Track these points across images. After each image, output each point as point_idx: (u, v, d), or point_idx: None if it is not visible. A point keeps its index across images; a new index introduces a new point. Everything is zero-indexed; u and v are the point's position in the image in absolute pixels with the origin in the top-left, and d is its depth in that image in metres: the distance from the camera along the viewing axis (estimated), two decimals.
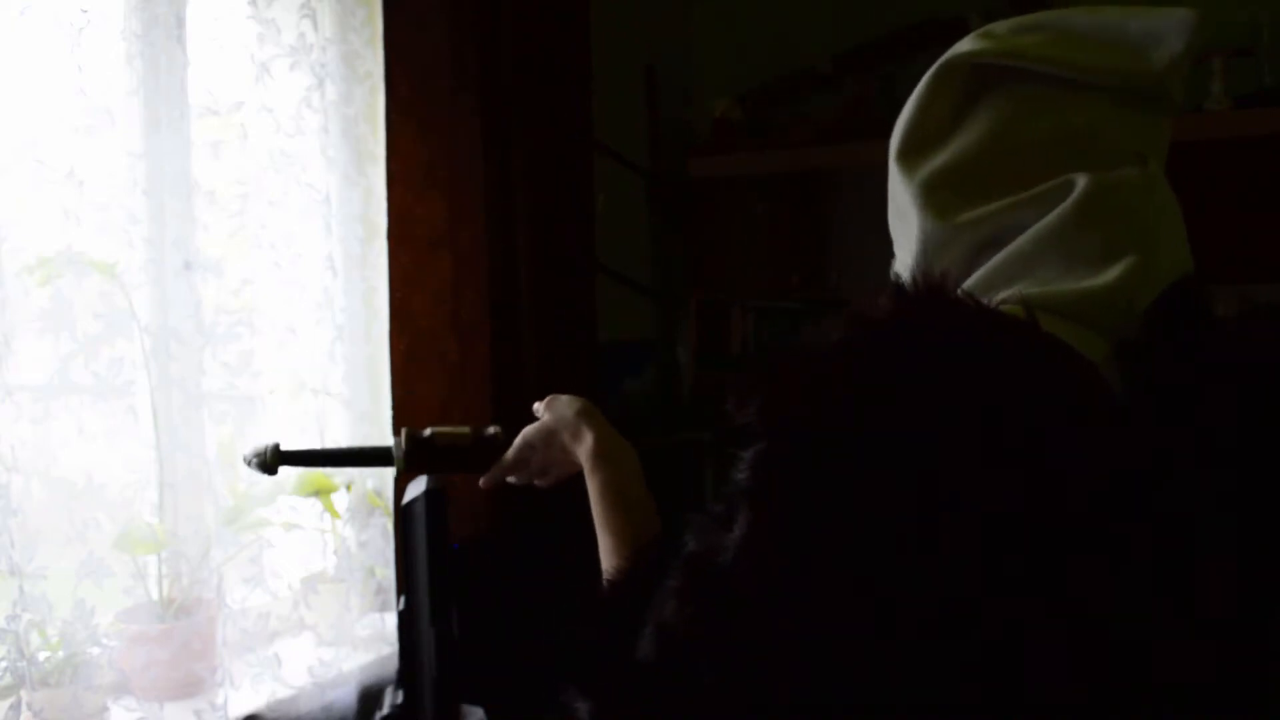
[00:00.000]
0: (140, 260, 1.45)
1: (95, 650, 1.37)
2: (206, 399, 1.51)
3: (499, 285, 1.97)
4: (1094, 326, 0.68)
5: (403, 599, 1.59)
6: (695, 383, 2.97)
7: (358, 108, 1.80)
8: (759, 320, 2.96)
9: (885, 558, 0.58)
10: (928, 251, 0.76)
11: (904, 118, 0.80)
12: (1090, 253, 0.70)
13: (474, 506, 1.90)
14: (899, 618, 0.58)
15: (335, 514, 1.74)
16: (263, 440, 1.18)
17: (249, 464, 1.16)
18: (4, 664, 1.29)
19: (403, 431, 1.19)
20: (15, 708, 1.29)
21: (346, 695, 1.66)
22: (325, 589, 1.72)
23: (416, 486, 1.39)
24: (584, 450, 1.07)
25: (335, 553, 1.76)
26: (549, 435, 1.13)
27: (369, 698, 1.67)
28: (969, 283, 0.73)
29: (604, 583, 0.84)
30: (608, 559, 0.96)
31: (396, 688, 1.61)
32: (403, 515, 1.59)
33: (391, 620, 1.71)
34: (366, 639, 1.74)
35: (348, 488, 1.76)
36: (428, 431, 1.19)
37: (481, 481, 1.20)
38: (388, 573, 1.78)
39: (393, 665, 1.64)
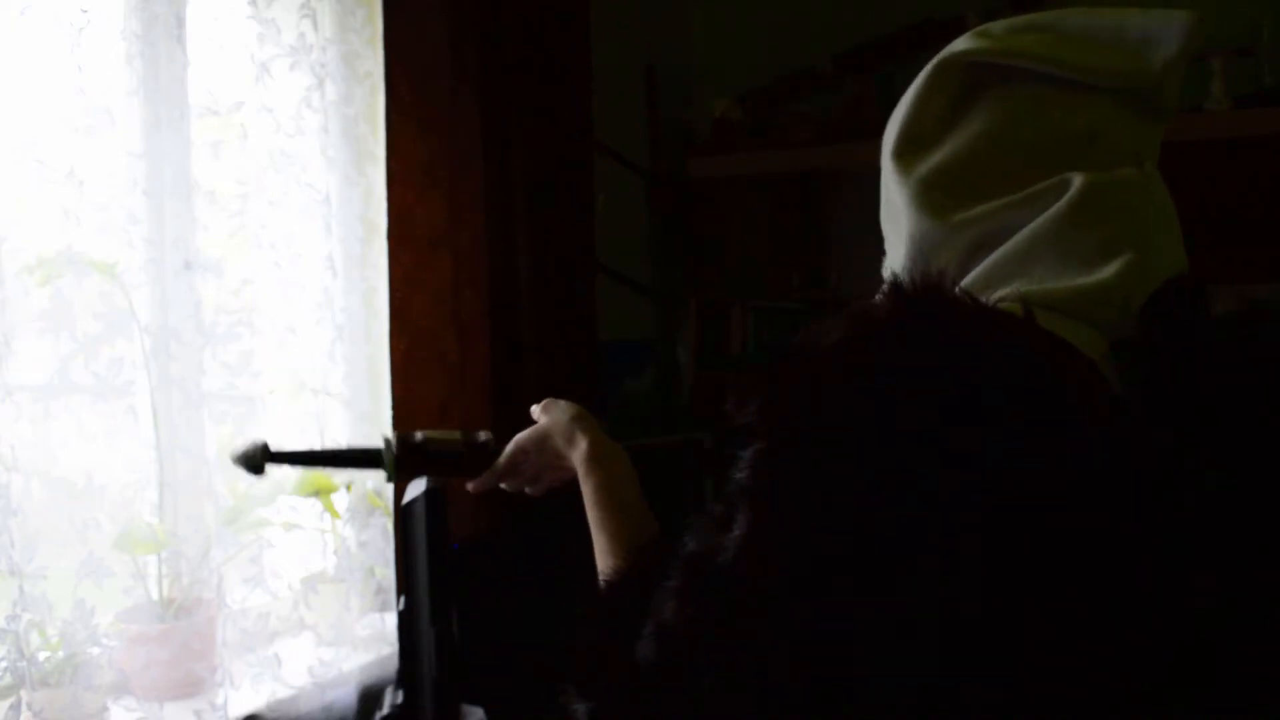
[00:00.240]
0: (140, 260, 1.45)
1: (95, 650, 1.37)
2: (206, 399, 1.51)
3: (499, 285, 1.97)
4: (1091, 323, 0.68)
5: (403, 599, 1.59)
6: (695, 383, 2.97)
7: (358, 108, 1.80)
8: (759, 320, 2.96)
9: (886, 557, 0.58)
10: (923, 251, 0.76)
11: (900, 115, 0.80)
12: (1086, 251, 0.70)
13: (474, 506, 1.90)
14: (899, 617, 0.58)
15: (335, 514, 1.74)
16: (249, 439, 1.15)
17: (235, 462, 1.14)
18: (4, 664, 1.29)
19: (393, 435, 1.18)
20: (15, 708, 1.29)
21: (346, 695, 1.66)
22: (325, 589, 1.72)
23: (416, 486, 1.39)
24: (578, 454, 1.07)
25: (335, 553, 1.76)
26: (542, 439, 1.12)
27: (369, 698, 1.67)
28: (965, 282, 0.73)
29: (601, 583, 0.84)
30: (604, 560, 0.96)
31: (396, 688, 1.61)
32: (403, 515, 1.59)
33: (391, 620, 1.71)
34: (366, 639, 1.74)
35: (348, 488, 1.76)
36: (419, 436, 1.18)
37: (471, 486, 1.19)
38: (388, 573, 1.78)
39: (393, 665, 1.64)
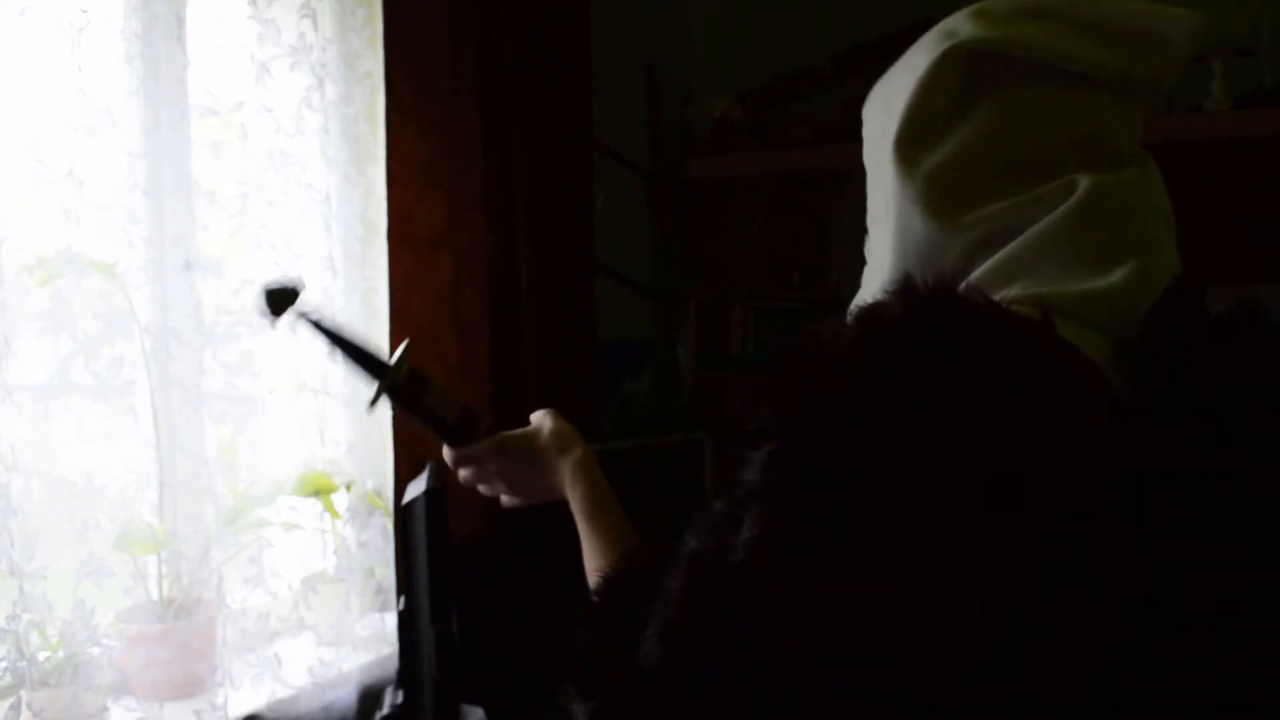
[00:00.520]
0: (140, 260, 1.45)
1: (95, 650, 1.37)
2: (206, 399, 1.51)
3: (499, 285, 1.97)
4: (1096, 327, 0.68)
5: (403, 599, 1.59)
6: (695, 383, 2.97)
7: (358, 108, 1.80)
8: (759, 320, 2.96)
9: (900, 558, 0.58)
10: (922, 250, 0.74)
11: (900, 104, 0.77)
12: (1093, 254, 0.70)
13: (474, 506, 1.90)
14: (914, 619, 0.58)
15: (335, 514, 1.74)
16: (290, 277, 1.06)
17: (262, 293, 1.05)
18: (4, 664, 1.29)
19: (407, 364, 1.09)
20: (15, 708, 1.29)
21: (346, 695, 1.66)
22: (325, 589, 1.72)
23: (416, 486, 1.39)
24: (571, 459, 1.07)
25: (335, 553, 1.76)
26: (531, 436, 1.11)
27: (369, 698, 1.67)
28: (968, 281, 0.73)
29: (596, 584, 0.83)
30: (597, 559, 0.96)
31: (396, 688, 1.61)
32: (403, 515, 1.59)
33: (391, 620, 1.71)
34: (366, 639, 1.74)
35: (348, 488, 1.76)
36: (429, 381, 1.11)
37: (447, 453, 1.15)
38: (388, 573, 1.78)
39: (393, 665, 1.64)
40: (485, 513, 1.90)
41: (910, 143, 0.76)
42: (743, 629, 0.60)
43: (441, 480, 1.35)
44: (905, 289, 0.65)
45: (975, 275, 0.73)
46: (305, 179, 1.70)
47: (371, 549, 1.77)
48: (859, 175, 0.85)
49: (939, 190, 0.74)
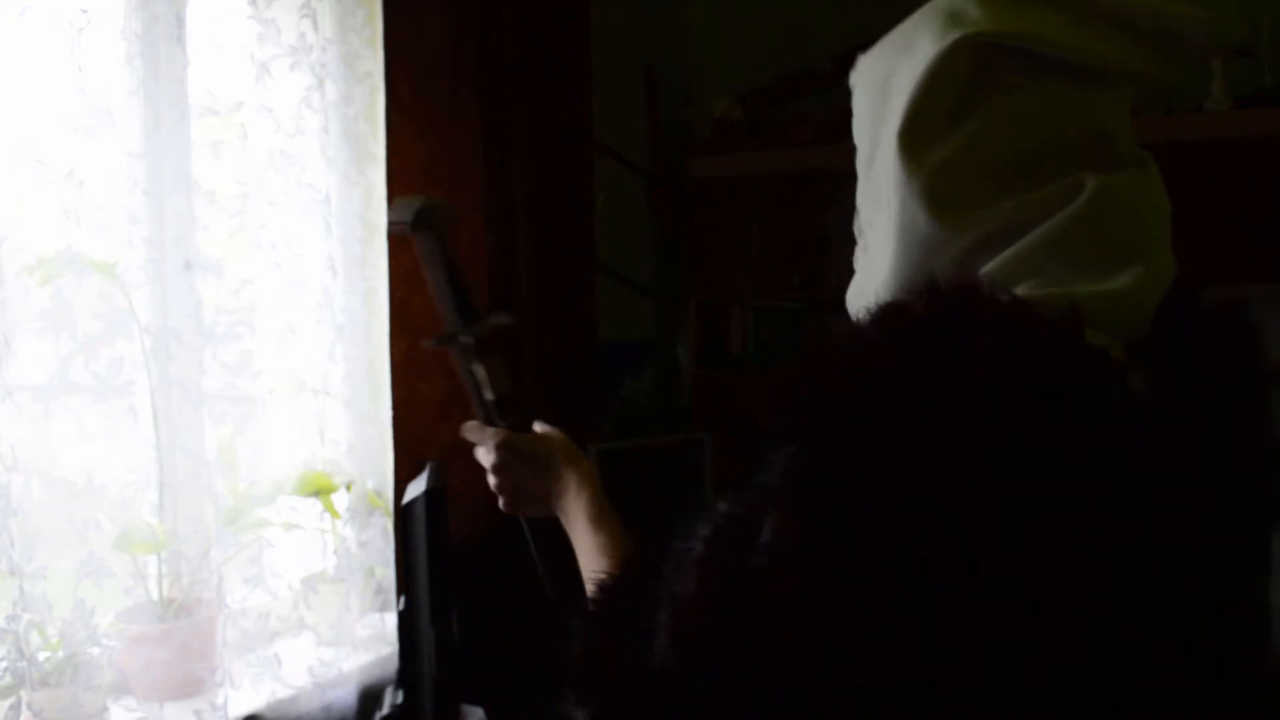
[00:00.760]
0: (140, 260, 1.45)
1: (95, 650, 1.37)
2: (206, 399, 1.51)
3: (499, 285, 1.97)
4: (1105, 329, 0.67)
5: (403, 599, 1.59)
6: (695, 383, 2.97)
7: (358, 108, 1.80)
8: (759, 320, 2.96)
9: (930, 563, 0.57)
10: (925, 247, 0.73)
11: (906, 92, 0.74)
12: (1101, 256, 0.69)
13: (474, 506, 1.90)
14: (939, 621, 0.57)
15: (335, 514, 1.74)
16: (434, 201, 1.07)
17: (399, 212, 1.07)
18: (4, 664, 1.29)
19: (489, 325, 1.11)
20: (15, 708, 1.29)
21: (346, 695, 1.66)
22: (325, 589, 1.72)
23: (416, 486, 1.39)
24: (579, 470, 1.08)
25: (335, 553, 1.76)
26: (540, 440, 1.12)
27: (369, 698, 1.67)
28: None
29: (596, 588, 0.82)
30: (597, 562, 0.95)
31: (396, 688, 1.61)
32: (403, 515, 1.59)
33: (391, 620, 1.71)
34: (366, 639, 1.74)
35: (348, 488, 1.76)
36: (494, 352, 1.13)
37: (468, 425, 1.15)
38: (388, 573, 1.78)
39: (393, 665, 1.64)
40: (485, 513, 1.90)
41: (914, 136, 0.73)
42: (763, 634, 0.59)
43: (441, 480, 1.35)
44: (930, 287, 0.64)
45: (982, 274, 0.73)
46: (305, 179, 1.70)
47: (371, 549, 1.77)
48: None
49: (943, 188, 0.72)
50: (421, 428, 1.83)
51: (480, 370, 1.11)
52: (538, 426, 1.16)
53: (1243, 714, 0.68)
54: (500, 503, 1.15)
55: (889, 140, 0.74)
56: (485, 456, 1.13)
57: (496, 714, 1.59)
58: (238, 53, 1.60)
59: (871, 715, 0.58)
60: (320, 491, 1.71)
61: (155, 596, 1.48)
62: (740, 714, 0.60)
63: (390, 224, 1.11)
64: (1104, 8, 0.73)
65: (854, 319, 0.66)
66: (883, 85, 0.77)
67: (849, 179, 0.83)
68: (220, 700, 1.46)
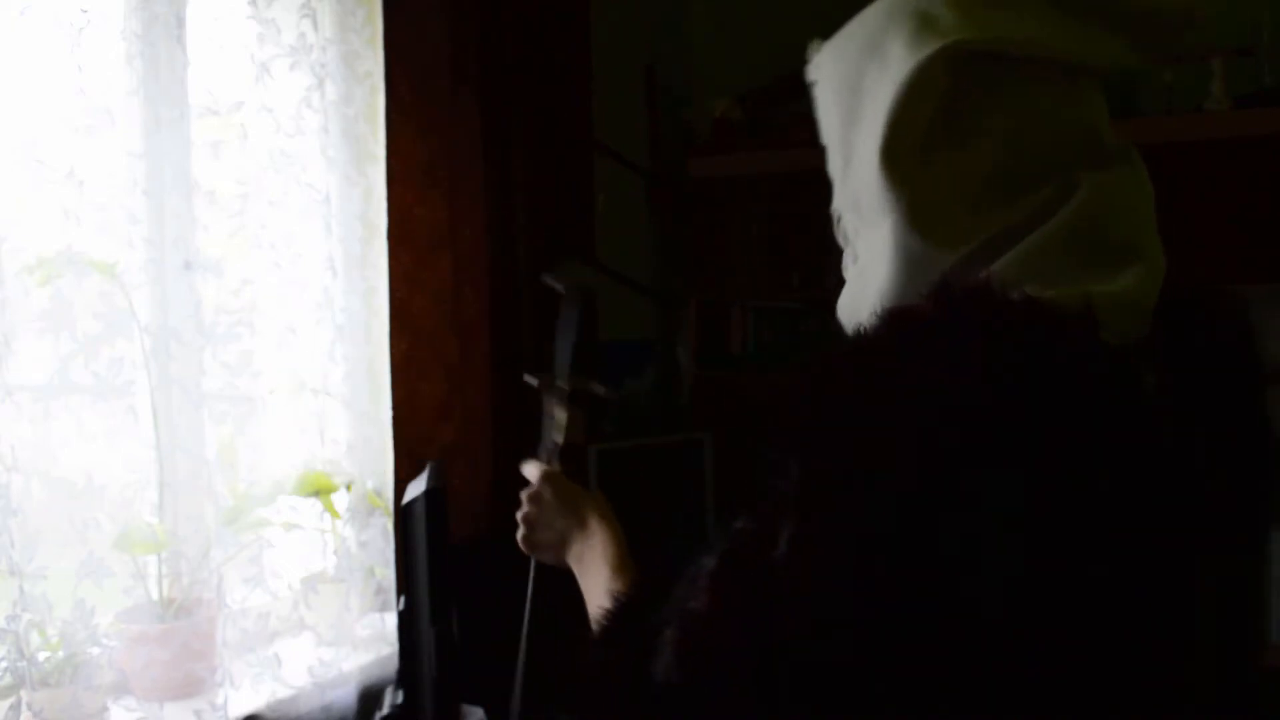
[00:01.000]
0: (140, 260, 1.45)
1: (95, 650, 1.37)
2: (206, 399, 1.51)
3: (499, 285, 1.96)
4: (1110, 328, 0.66)
5: (403, 599, 1.59)
6: (695, 383, 2.97)
7: (358, 108, 1.80)
8: (759, 320, 2.96)
9: (944, 564, 0.57)
10: (922, 265, 0.70)
11: (884, 107, 0.70)
12: (1102, 255, 0.67)
13: (474, 506, 1.90)
14: (957, 625, 0.57)
15: (335, 514, 1.74)
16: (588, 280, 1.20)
17: (564, 278, 1.23)
18: (4, 664, 1.29)
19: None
20: (15, 708, 1.29)
21: (346, 695, 1.66)
22: (325, 589, 1.72)
23: (416, 486, 1.39)
24: (610, 527, 1.08)
25: (335, 553, 1.76)
26: (582, 491, 1.14)
27: (369, 698, 1.67)
28: None
29: (606, 608, 0.81)
30: (609, 586, 0.94)
31: (396, 688, 1.61)
32: (403, 515, 1.59)
33: (391, 620, 1.70)
34: (366, 639, 1.74)
35: (348, 488, 1.76)
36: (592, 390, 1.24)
37: (529, 463, 1.20)
38: (388, 573, 1.78)
39: (393, 665, 1.64)
40: (485, 513, 1.90)
41: (897, 155, 0.70)
42: (774, 646, 0.58)
43: (441, 480, 1.36)
44: (942, 289, 0.62)
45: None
46: (305, 179, 1.70)
47: (371, 549, 1.77)
48: None
49: (934, 205, 0.70)
50: (421, 428, 1.83)
51: (562, 415, 1.21)
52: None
53: (1242, 714, 0.68)
54: (519, 534, 1.16)
55: (868, 155, 0.71)
56: (529, 475, 1.17)
57: (496, 714, 1.59)
58: (238, 53, 1.60)
59: None
60: (320, 491, 1.71)
61: (155, 596, 1.48)
62: None
63: (550, 280, 1.27)
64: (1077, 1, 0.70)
65: (858, 324, 0.65)
66: (853, 88, 0.75)
67: None
68: (220, 700, 1.46)
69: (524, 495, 1.16)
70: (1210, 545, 0.66)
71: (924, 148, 0.70)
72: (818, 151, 0.80)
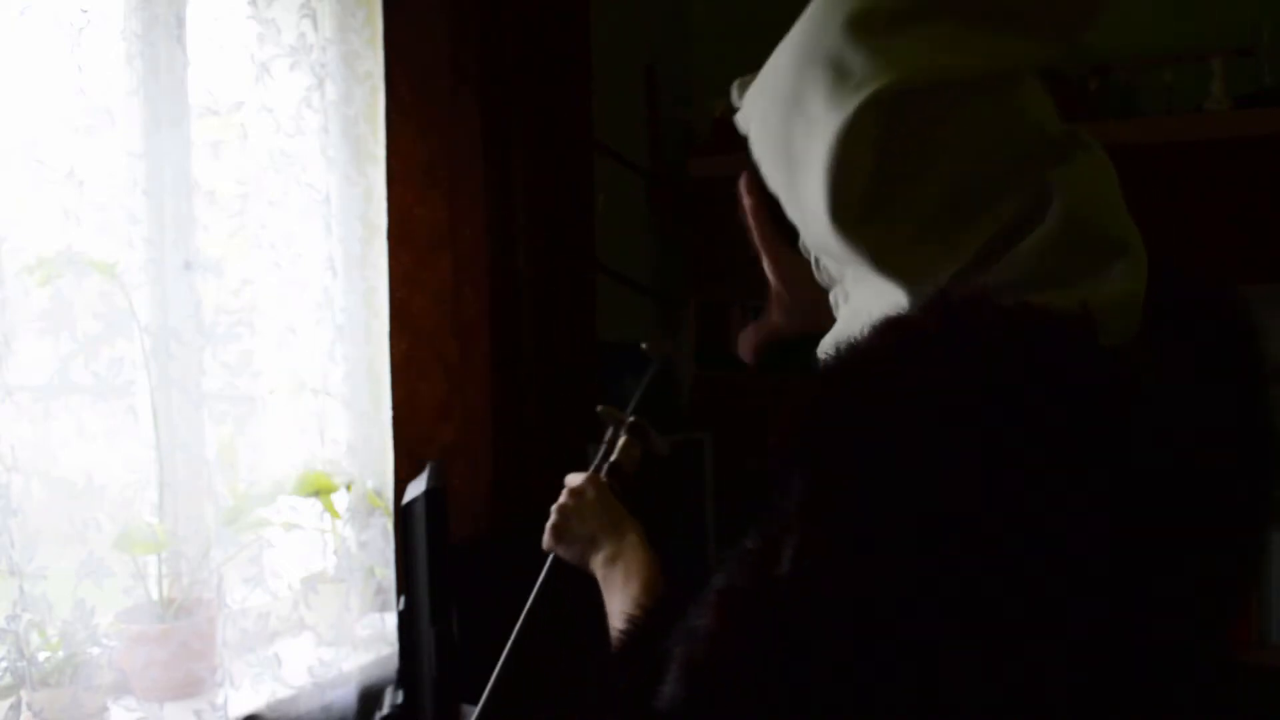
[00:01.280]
0: (140, 260, 1.45)
1: (95, 650, 1.37)
2: (206, 399, 1.51)
3: (499, 285, 1.97)
4: (1106, 330, 0.64)
5: (403, 599, 1.59)
6: (695, 383, 2.97)
7: (358, 108, 1.80)
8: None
9: (951, 582, 0.56)
10: (909, 300, 0.67)
11: (819, 170, 0.67)
12: (1085, 255, 0.66)
13: (474, 506, 1.90)
14: (964, 645, 0.57)
15: (335, 514, 1.74)
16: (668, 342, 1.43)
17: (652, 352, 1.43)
18: (4, 664, 1.29)
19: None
20: (15, 708, 1.29)
21: (346, 695, 1.66)
22: (325, 589, 1.72)
23: (416, 486, 1.39)
24: (635, 532, 1.09)
25: (335, 553, 1.76)
26: (622, 507, 1.15)
27: (369, 698, 1.67)
28: None
29: (620, 630, 0.81)
30: (628, 606, 0.93)
31: (396, 688, 1.61)
32: (403, 515, 1.59)
33: (391, 620, 1.70)
34: (366, 639, 1.74)
35: (348, 488, 1.76)
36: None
37: (577, 475, 1.23)
38: (388, 573, 1.78)
39: (393, 665, 1.64)
40: (485, 513, 1.90)
41: (847, 211, 0.67)
42: (778, 664, 0.58)
43: (441, 480, 1.36)
44: (941, 299, 0.62)
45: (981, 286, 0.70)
46: (305, 179, 1.70)
47: (371, 549, 1.77)
48: None
49: (901, 251, 0.67)
50: (421, 428, 1.83)
51: (621, 439, 1.30)
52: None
53: (1240, 713, 0.69)
54: (547, 527, 1.17)
55: (818, 212, 0.68)
56: (570, 481, 1.19)
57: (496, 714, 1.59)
58: (238, 53, 1.60)
59: None
60: (320, 491, 1.71)
61: (155, 596, 1.48)
62: None
63: (642, 346, 1.44)
64: (981, 4, 0.67)
65: (857, 336, 0.63)
66: (784, 150, 0.72)
67: None
68: (220, 700, 1.46)
69: (567, 487, 1.18)
70: (1211, 546, 0.66)
71: (873, 196, 0.66)
72: None
